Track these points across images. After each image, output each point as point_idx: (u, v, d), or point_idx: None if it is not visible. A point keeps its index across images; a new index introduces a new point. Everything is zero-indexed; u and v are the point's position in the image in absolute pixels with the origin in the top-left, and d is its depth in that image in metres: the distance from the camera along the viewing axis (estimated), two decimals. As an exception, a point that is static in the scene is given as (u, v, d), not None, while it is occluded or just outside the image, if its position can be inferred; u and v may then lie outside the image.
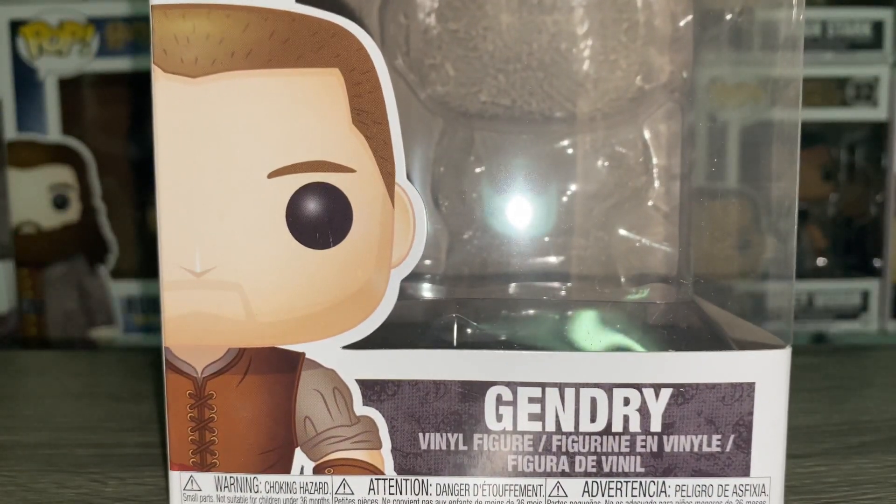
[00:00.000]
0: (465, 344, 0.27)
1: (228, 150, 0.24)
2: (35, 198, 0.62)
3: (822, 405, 0.39)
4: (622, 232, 0.32)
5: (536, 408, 0.25)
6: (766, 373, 0.25)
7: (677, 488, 0.25)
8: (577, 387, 0.25)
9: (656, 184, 0.32)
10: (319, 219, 0.25)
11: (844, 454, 0.33)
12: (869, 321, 0.65)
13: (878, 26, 0.63)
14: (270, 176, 0.24)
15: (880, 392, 0.43)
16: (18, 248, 0.63)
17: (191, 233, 0.25)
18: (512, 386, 0.25)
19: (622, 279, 0.32)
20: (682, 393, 0.25)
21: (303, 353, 0.25)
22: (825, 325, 0.64)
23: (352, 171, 0.25)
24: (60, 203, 0.63)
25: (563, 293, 0.32)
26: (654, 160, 0.32)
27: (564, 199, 0.32)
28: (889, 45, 0.63)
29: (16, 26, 0.60)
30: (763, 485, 0.25)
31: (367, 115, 0.24)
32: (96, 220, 0.63)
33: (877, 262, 0.64)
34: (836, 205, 0.66)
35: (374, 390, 0.25)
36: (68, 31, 0.61)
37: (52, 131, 0.62)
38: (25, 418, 0.39)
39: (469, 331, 0.28)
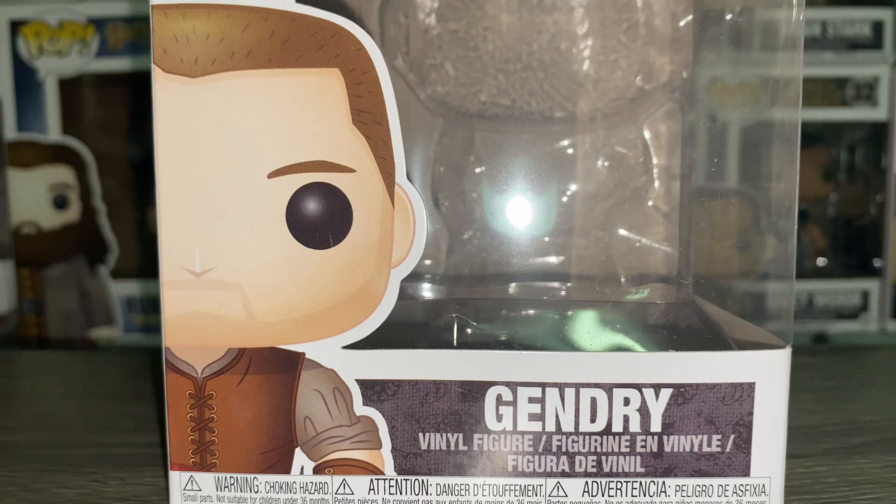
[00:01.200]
0: (465, 344, 0.27)
1: (228, 150, 0.24)
2: (35, 198, 0.62)
3: (822, 405, 0.39)
4: (622, 232, 0.32)
5: (536, 408, 0.25)
6: (766, 373, 0.25)
7: (677, 488, 0.25)
8: (577, 387, 0.25)
9: (656, 184, 0.32)
10: (319, 219, 0.25)
11: (844, 454, 0.33)
12: (869, 321, 0.65)
13: (878, 26, 0.63)
14: (270, 176, 0.24)
15: (880, 392, 0.43)
16: (18, 248, 0.63)
17: (191, 233, 0.25)
18: (512, 386, 0.25)
19: (622, 279, 0.32)
20: (682, 393, 0.25)
21: (303, 353, 0.25)
22: (825, 325, 0.64)
23: (352, 171, 0.25)
24: (60, 203, 0.63)
25: (563, 293, 0.32)
26: (654, 160, 0.32)
27: (564, 199, 0.32)
28: (889, 45, 0.63)
29: (16, 26, 0.60)
30: (763, 485, 0.25)
31: (367, 115, 0.24)
32: (96, 220, 0.63)
33: (877, 262, 0.64)
34: (836, 205, 0.66)
35: (374, 390, 0.25)
36: (68, 31, 0.61)
37: (52, 131, 0.62)
38: (25, 418, 0.39)
39: (469, 331, 0.28)
